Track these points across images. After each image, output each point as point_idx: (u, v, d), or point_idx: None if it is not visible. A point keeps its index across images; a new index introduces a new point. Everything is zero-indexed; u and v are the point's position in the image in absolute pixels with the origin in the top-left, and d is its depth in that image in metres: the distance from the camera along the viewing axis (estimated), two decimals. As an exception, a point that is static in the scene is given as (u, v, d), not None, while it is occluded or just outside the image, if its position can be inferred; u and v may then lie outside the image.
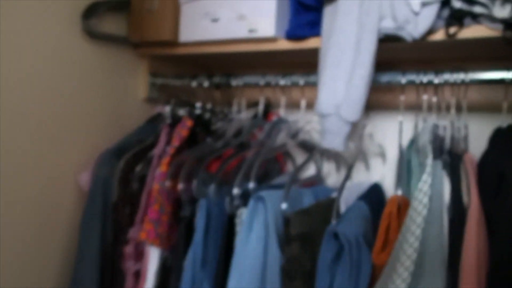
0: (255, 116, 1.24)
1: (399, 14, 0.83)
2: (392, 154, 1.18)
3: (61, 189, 1.10)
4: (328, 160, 1.25)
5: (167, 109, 1.12)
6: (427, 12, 0.83)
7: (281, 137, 1.04)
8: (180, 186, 0.96)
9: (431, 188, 0.66)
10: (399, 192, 0.72)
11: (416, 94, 1.01)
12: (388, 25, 0.85)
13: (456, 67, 0.92)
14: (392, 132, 1.19)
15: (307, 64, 1.13)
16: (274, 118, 1.20)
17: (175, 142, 1.02)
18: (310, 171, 1.23)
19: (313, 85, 1.08)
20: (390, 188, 1.09)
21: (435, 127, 0.88)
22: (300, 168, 0.97)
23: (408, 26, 0.83)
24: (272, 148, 1.01)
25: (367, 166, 1.22)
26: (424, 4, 0.82)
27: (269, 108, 1.28)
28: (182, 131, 1.04)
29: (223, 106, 1.25)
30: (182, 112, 1.13)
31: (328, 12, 0.95)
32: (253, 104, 1.26)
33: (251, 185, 0.89)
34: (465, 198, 0.71)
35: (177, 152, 1.01)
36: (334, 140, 0.90)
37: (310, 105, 1.16)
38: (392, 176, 1.19)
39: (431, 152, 0.73)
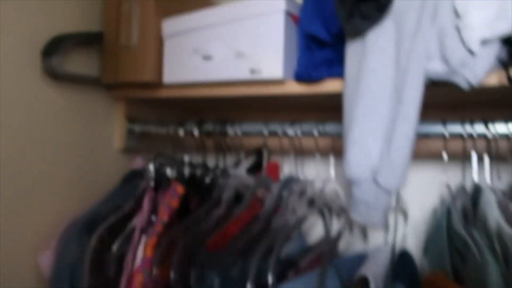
0: (254, 168, 1.04)
1: (452, 55, 0.65)
2: (415, 212, 1.01)
3: (14, 273, 0.86)
4: (338, 216, 1.05)
5: (150, 168, 0.90)
6: (486, 52, 0.65)
7: (294, 203, 0.84)
8: (172, 275, 0.74)
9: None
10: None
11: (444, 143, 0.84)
12: (437, 69, 0.67)
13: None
14: (415, 185, 1.02)
15: (321, 106, 0.95)
16: (279, 173, 1.01)
17: (164, 217, 0.80)
18: (316, 229, 1.02)
19: (330, 135, 0.90)
20: (413, 253, 0.90)
21: (496, 194, 0.70)
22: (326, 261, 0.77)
23: (464, 70, 0.65)
24: (290, 227, 0.80)
25: (386, 225, 1.03)
26: (484, 43, 0.64)
27: (269, 156, 1.08)
28: (172, 202, 0.82)
29: (217, 158, 1.04)
30: (168, 171, 0.91)
31: (352, 49, 0.77)
32: (251, 152, 1.06)
33: (270, 280, 0.67)
34: None
35: (166, 229, 0.79)
36: (369, 213, 0.71)
37: (325, 154, 0.97)
38: (414, 239, 1.01)
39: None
